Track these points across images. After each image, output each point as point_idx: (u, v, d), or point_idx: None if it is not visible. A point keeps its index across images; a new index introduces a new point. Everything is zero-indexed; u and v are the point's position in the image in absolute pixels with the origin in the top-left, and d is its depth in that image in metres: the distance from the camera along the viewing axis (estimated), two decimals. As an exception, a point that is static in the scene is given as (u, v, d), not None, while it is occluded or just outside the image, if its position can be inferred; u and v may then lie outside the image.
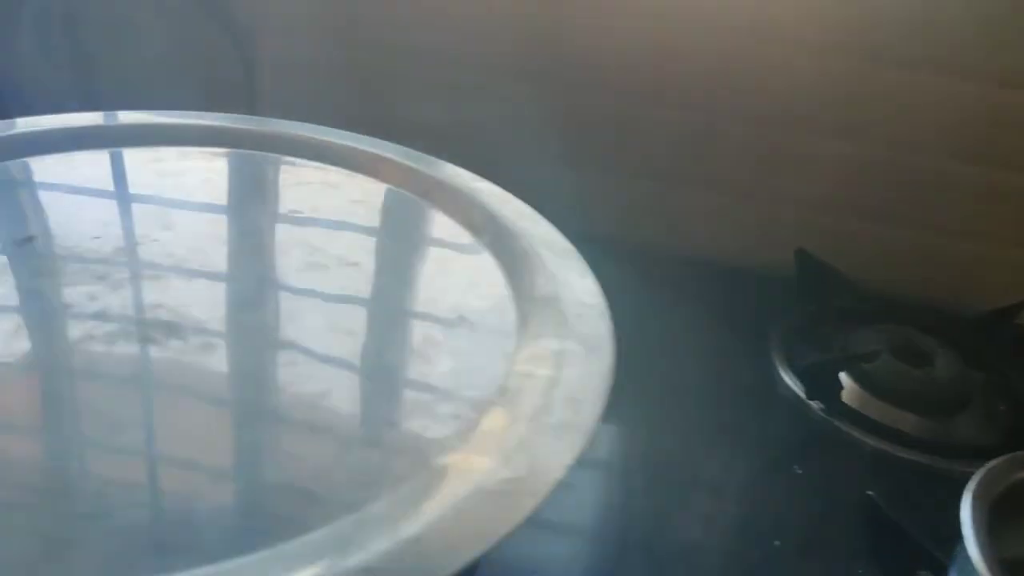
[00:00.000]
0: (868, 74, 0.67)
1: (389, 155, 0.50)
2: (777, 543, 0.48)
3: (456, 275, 0.42)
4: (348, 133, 0.53)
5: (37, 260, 0.39)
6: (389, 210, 0.48)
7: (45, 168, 0.47)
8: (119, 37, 0.76)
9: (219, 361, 0.34)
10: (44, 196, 0.46)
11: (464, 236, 0.44)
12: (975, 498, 0.37)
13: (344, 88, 0.74)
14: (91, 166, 0.48)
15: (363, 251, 0.44)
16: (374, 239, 0.46)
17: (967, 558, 0.36)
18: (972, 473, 0.54)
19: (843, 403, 0.57)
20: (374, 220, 0.47)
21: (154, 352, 0.34)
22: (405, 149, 0.51)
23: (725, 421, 0.58)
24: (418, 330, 0.38)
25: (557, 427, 0.30)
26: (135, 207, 0.45)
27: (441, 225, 0.45)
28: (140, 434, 0.30)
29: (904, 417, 0.57)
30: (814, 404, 0.57)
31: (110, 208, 0.45)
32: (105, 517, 0.26)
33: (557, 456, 0.28)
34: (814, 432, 0.57)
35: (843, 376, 0.59)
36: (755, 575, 0.45)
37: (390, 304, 0.40)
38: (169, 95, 0.71)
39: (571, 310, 0.37)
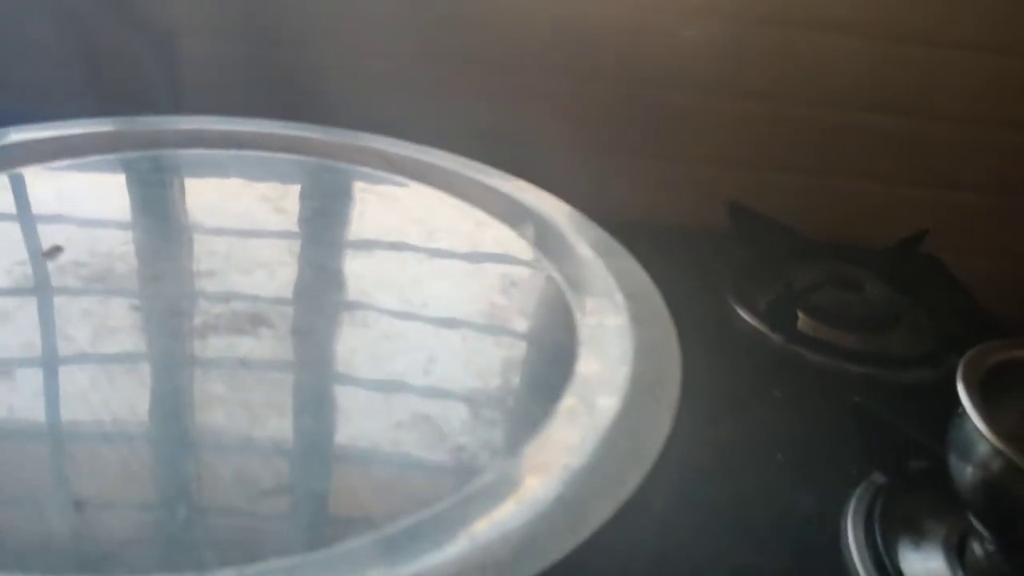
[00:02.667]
0: (768, 38, 0.74)
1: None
2: (779, 456, 0.53)
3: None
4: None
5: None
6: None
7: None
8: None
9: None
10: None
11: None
12: (965, 378, 0.43)
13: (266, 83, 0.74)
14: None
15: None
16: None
17: (968, 433, 0.42)
18: (917, 379, 0.63)
19: (799, 331, 0.63)
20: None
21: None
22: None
23: (699, 360, 0.63)
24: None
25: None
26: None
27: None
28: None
29: (850, 337, 0.64)
30: (776, 336, 0.63)
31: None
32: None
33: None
34: (778, 360, 0.63)
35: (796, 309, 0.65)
36: (767, 486, 0.51)
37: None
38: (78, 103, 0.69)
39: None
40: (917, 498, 0.49)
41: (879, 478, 0.50)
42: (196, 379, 0.32)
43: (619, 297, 0.41)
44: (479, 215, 0.48)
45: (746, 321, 0.65)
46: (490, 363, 0.36)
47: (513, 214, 0.49)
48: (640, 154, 0.78)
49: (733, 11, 0.72)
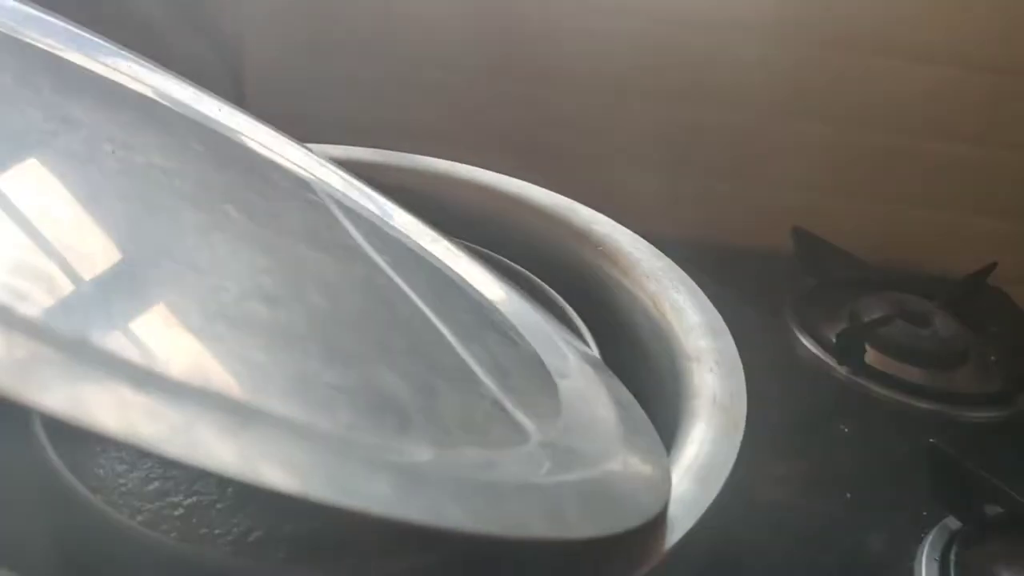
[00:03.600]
0: (835, 62, 0.73)
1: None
2: (848, 495, 0.52)
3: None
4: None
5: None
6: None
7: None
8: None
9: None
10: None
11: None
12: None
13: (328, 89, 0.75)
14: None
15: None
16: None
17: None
18: (986, 418, 0.61)
19: (867, 364, 0.62)
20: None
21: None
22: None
23: (763, 391, 0.62)
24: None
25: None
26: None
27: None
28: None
29: (918, 373, 0.63)
30: (842, 368, 0.62)
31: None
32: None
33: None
34: (844, 393, 0.62)
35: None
36: (836, 527, 0.50)
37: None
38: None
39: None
40: (994, 545, 0.47)
41: (953, 523, 0.49)
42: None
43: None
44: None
45: (810, 351, 0.64)
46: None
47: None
48: (705, 175, 0.77)
49: (798, 35, 0.71)
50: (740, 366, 0.34)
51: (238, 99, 0.74)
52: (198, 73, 0.75)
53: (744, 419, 0.31)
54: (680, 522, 0.25)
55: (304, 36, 0.72)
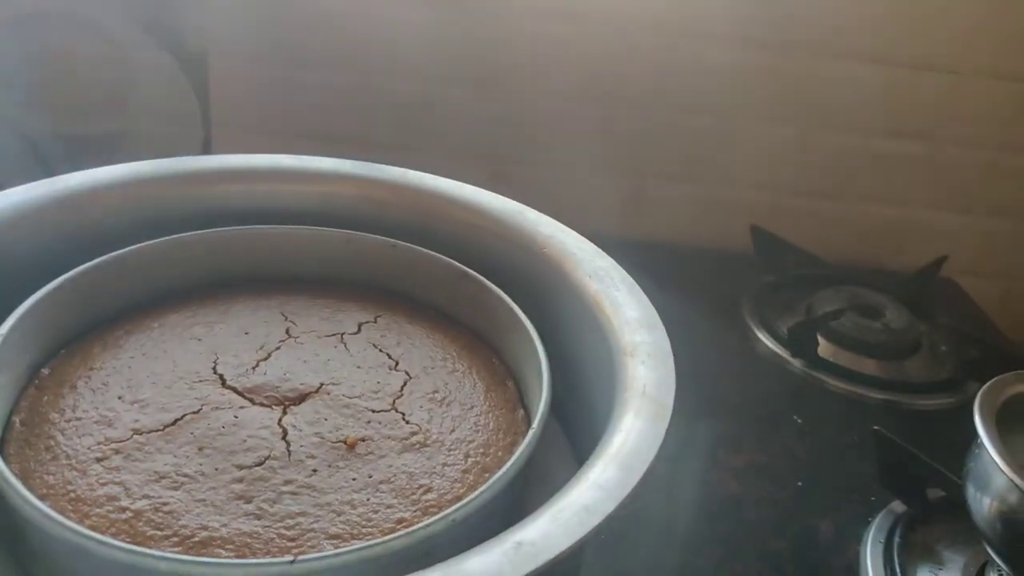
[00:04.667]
0: (790, 65, 0.75)
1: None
2: (800, 483, 0.54)
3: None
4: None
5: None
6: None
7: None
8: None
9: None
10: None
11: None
12: (982, 411, 0.43)
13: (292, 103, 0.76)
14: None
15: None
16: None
17: (985, 465, 0.42)
18: (936, 405, 0.63)
19: (820, 357, 0.64)
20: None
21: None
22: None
23: (722, 387, 0.64)
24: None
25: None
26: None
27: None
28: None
29: (870, 364, 0.65)
30: (797, 362, 0.64)
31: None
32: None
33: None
34: (798, 385, 0.64)
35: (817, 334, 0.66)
36: (790, 514, 0.51)
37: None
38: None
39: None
40: (936, 527, 0.49)
41: (898, 506, 0.51)
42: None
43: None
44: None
45: (766, 346, 0.66)
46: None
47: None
48: (666, 178, 0.79)
49: (756, 38, 0.74)
50: (671, 357, 0.35)
51: (203, 113, 0.75)
52: (163, 88, 0.77)
53: (671, 407, 0.32)
54: (601, 506, 0.27)
55: (267, 49, 0.73)
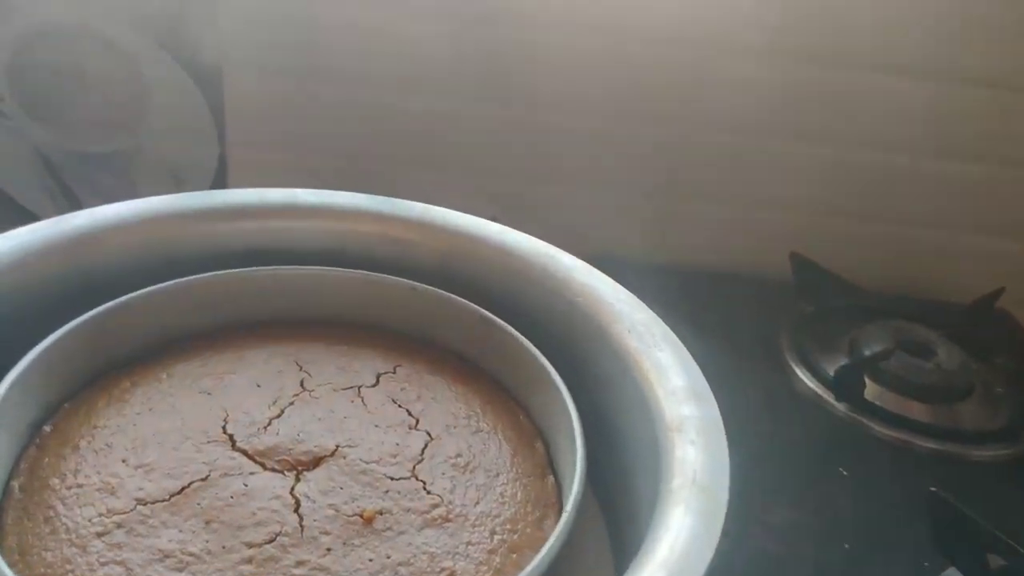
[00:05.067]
0: (829, 79, 0.71)
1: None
2: (847, 546, 0.50)
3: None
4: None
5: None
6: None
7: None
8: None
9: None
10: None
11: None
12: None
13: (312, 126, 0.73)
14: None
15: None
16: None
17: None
18: (991, 457, 0.59)
19: (867, 400, 0.60)
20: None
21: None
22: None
23: (758, 429, 0.60)
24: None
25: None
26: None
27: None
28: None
29: (918, 407, 0.61)
30: (841, 405, 0.60)
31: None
32: None
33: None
34: (842, 430, 0.60)
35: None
36: (832, 577, 0.48)
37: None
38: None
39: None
40: (996, 600, 0.46)
41: (955, 574, 0.47)
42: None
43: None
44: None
45: (806, 384, 0.63)
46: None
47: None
48: (696, 199, 0.75)
49: (792, 52, 0.70)
50: (723, 436, 0.32)
51: (218, 129, 0.73)
52: (177, 102, 0.75)
53: (726, 501, 0.29)
54: None
55: (284, 64, 0.71)
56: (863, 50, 0.69)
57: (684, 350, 0.37)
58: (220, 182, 0.74)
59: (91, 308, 0.38)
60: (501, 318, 0.42)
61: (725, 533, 0.50)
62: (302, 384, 0.41)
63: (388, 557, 0.33)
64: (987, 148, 0.74)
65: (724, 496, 0.29)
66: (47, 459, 0.35)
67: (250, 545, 0.32)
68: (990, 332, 0.70)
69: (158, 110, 0.70)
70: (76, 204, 0.74)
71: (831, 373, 0.62)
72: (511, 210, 0.50)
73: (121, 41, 0.66)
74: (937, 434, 0.59)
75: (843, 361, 0.63)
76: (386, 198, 0.46)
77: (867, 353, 0.63)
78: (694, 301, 0.76)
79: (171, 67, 0.69)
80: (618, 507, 0.37)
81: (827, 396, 0.61)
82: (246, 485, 0.35)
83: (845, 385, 0.60)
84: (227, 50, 0.70)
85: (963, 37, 0.70)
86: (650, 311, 0.39)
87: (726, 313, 0.70)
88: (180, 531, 0.32)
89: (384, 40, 0.69)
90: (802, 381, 0.63)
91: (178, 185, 0.74)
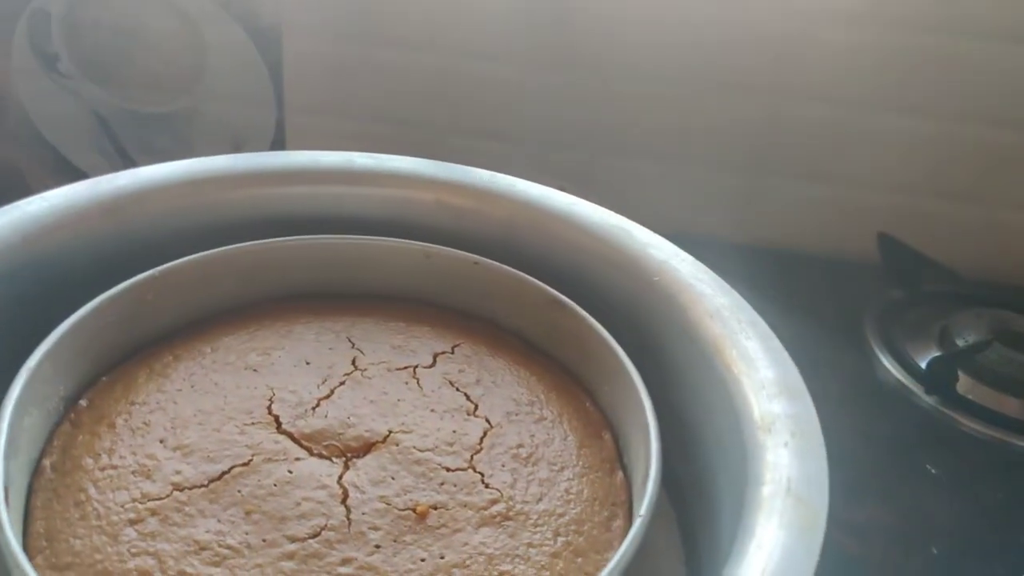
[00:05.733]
0: (930, 46, 0.65)
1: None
2: (935, 551, 0.46)
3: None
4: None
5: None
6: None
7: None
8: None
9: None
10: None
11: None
12: None
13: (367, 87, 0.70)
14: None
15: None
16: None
17: None
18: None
19: (959, 394, 0.56)
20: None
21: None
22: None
23: (839, 421, 0.56)
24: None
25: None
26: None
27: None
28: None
29: (1013, 404, 0.56)
30: (930, 398, 0.56)
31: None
32: None
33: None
34: (930, 425, 0.55)
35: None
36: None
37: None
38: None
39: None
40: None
41: (1059, 590, 0.43)
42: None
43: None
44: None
45: (892, 374, 0.58)
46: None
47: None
48: (782, 174, 0.70)
49: (894, 17, 0.64)
50: (821, 440, 0.28)
51: (276, 89, 0.70)
52: (236, 64, 0.72)
53: (825, 513, 0.25)
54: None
55: (345, 27, 0.68)
56: (975, 15, 0.63)
57: (774, 339, 0.33)
58: (279, 148, 0.72)
59: (131, 276, 0.36)
60: (568, 296, 0.38)
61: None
62: (354, 363, 0.38)
63: (442, 558, 0.30)
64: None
65: (824, 510, 0.25)
66: (81, 436, 0.33)
67: (292, 539, 0.30)
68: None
69: (216, 72, 0.67)
70: (132, 167, 0.73)
71: (920, 363, 0.57)
72: (581, 184, 0.46)
73: (181, 1, 0.64)
74: (1034, 433, 0.54)
75: (933, 351, 0.58)
76: (448, 164, 0.42)
77: (961, 344, 0.58)
78: (775, 283, 0.72)
79: (231, 28, 0.67)
80: (691, 508, 0.34)
81: (915, 388, 0.56)
82: (291, 472, 0.32)
83: (937, 377, 0.55)
84: (287, 12, 0.67)
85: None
86: (736, 294, 0.36)
87: (808, 296, 0.66)
88: (218, 521, 0.30)
89: (449, 4, 0.66)
90: (887, 369, 0.58)
91: (237, 149, 0.72)
